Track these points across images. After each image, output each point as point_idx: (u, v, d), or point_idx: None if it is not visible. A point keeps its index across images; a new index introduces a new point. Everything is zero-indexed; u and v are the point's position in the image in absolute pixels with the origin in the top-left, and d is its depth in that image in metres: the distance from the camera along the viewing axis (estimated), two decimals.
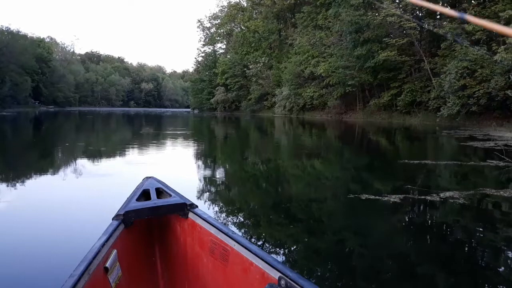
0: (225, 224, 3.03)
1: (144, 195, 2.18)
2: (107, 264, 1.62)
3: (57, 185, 5.80)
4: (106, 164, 8.07)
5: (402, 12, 30.11)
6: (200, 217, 2.01)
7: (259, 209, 4.90)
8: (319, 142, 14.96)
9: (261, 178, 7.18)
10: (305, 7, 47.65)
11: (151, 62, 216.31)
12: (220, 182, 6.65)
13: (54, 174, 6.90)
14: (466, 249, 3.52)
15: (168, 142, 13.56)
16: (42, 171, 7.17)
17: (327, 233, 3.86)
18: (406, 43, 30.96)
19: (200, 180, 6.59)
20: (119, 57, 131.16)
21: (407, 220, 4.46)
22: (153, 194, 2.16)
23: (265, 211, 4.71)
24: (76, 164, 7.84)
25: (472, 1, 29.73)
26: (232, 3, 70.50)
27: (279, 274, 1.46)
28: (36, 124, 24.71)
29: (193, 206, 2.09)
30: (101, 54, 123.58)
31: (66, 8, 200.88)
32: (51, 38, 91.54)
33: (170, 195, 2.17)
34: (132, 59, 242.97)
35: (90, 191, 5.37)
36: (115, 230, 1.82)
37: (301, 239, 3.68)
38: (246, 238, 1.77)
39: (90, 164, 7.94)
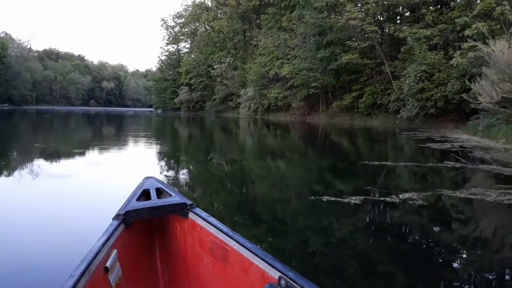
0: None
1: (144, 195, 2.19)
2: (107, 264, 1.63)
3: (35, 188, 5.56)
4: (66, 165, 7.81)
5: (364, 15, 30.78)
6: (200, 217, 2.03)
7: (224, 211, 4.85)
8: (284, 144, 15.07)
9: (226, 179, 7.14)
10: (270, 9, 47.99)
11: (113, 60, 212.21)
12: (185, 183, 6.55)
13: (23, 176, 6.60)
14: (423, 248, 3.62)
15: (142, 145, 13.27)
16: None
17: (292, 233, 3.85)
18: (368, 46, 31.72)
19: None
20: (79, 55, 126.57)
21: (367, 221, 4.53)
22: (153, 194, 2.18)
23: (230, 212, 4.67)
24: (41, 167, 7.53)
25: (430, 7, 30.82)
26: (196, 2, 69.78)
27: (279, 274, 1.47)
28: None
29: (193, 206, 2.11)
30: (60, 51, 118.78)
31: (23, 2, 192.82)
32: (6, 34, 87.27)
33: (170, 195, 2.19)
34: (93, 57, 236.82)
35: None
36: (115, 230, 1.82)
37: (265, 239, 3.66)
38: (245, 238, 1.78)
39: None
